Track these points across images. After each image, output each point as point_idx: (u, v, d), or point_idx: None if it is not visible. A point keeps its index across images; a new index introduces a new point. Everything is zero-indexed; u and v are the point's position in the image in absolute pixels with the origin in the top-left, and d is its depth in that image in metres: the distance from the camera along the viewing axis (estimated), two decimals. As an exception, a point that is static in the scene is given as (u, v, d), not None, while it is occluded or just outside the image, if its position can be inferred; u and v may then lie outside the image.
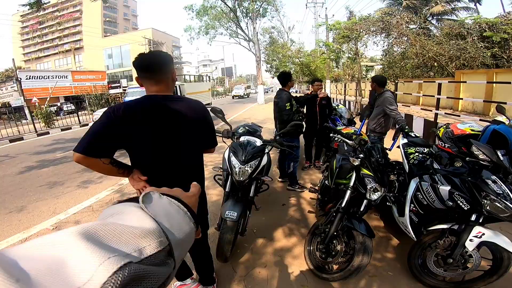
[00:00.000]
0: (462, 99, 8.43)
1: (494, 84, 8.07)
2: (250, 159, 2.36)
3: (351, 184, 2.13)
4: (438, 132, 2.64)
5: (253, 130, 3.38)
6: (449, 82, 9.10)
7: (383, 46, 11.07)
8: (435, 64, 10.10)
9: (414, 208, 2.16)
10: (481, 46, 10.64)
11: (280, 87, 4.06)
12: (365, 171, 2.13)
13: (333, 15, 36.31)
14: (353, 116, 5.64)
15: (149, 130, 1.39)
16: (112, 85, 38.86)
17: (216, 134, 1.78)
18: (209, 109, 1.82)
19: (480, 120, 5.81)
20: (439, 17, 19.76)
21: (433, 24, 19.26)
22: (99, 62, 42.80)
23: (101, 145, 1.31)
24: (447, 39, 10.46)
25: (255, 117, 12.67)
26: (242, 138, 2.89)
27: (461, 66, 11.11)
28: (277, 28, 25.20)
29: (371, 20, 9.05)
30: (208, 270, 2.03)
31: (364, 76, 31.08)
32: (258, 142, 2.78)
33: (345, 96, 16.38)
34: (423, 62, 9.59)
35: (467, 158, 2.04)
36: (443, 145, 2.45)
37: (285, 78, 3.99)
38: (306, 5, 22.42)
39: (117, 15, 51.96)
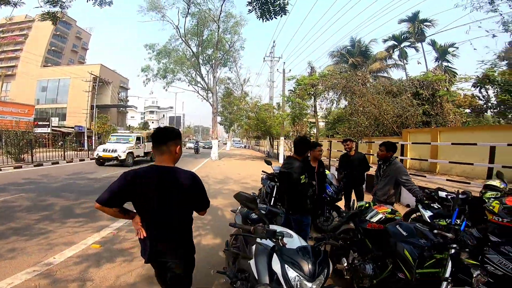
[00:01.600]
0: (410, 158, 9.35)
1: (438, 143, 9.19)
2: (320, 271, 1.71)
3: (447, 274, 1.93)
4: (491, 207, 2.56)
5: (271, 215, 3.11)
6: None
7: (337, 104, 11.94)
8: (384, 122, 11.25)
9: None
10: (417, 103, 12.35)
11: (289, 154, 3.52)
12: (467, 260, 1.98)
13: (290, 70, 39.96)
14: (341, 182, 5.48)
15: (150, 194, 1.79)
16: (39, 123, 34.13)
17: (244, 234, 2.05)
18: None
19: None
20: (376, 74, 23.38)
21: (370, 81, 22.70)
22: (29, 94, 37.77)
23: (115, 200, 1.80)
24: (390, 97, 11.86)
25: (214, 176, 11.76)
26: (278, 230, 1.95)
27: (401, 125, 12.55)
28: (232, 80, 26.04)
29: (335, 77, 9.86)
30: None
31: (308, 132, 33.59)
32: (302, 241, 2.15)
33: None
34: (374, 121, 10.56)
35: None
36: (499, 220, 2.40)
37: (304, 146, 3.26)
38: (264, 58, 24.22)
39: (65, 46, 48.35)
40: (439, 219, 3.17)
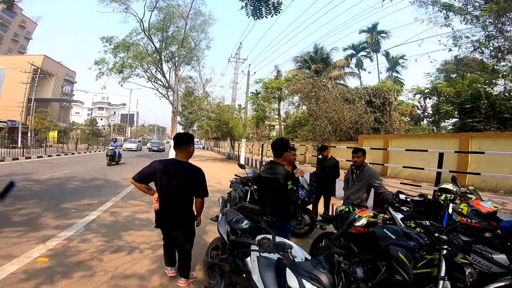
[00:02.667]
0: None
1: (389, 149, 10.01)
2: (339, 282, 1.69)
3: (443, 273, 2.04)
4: (460, 209, 2.79)
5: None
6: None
7: (299, 108, 12.24)
8: (342, 128, 11.88)
9: None
10: (370, 111, 13.28)
11: (271, 158, 3.34)
12: (461, 260, 2.16)
13: (255, 72, 40.14)
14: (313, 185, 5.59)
15: (166, 177, 2.69)
16: (-38, 116, 29.24)
17: (239, 243, 2.08)
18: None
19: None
20: (334, 81, 24.74)
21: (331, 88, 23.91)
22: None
23: (144, 179, 2.74)
24: (346, 103, 12.57)
25: None
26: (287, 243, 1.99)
27: (356, 130, 13.40)
28: (193, 79, 25.22)
29: (301, 82, 10.11)
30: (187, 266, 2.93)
31: (267, 135, 34.05)
32: (304, 252, 2.09)
33: (262, 157, 16.86)
34: (335, 126, 11.07)
35: (497, 231, 2.46)
36: (468, 221, 2.64)
37: (282, 147, 3.16)
38: (229, 59, 23.93)
39: (5, 34, 42.02)
40: (409, 221, 3.32)
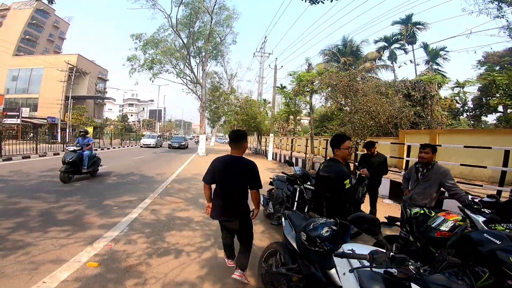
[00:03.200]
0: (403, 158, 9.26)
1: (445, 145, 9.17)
2: None
3: None
4: None
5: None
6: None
7: (332, 102, 11.55)
8: (381, 122, 11.10)
9: None
10: (409, 105, 12.41)
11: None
12: None
13: (282, 66, 39.58)
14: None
15: (224, 173, 2.86)
16: (8, 113, 31.59)
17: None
18: None
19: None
20: (366, 74, 23.68)
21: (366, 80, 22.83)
22: (-2, 83, 34.94)
23: (211, 178, 2.93)
24: (382, 97, 11.72)
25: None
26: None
27: (394, 125, 12.55)
28: (218, 74, 25.21)
29: (336, 74, 9.59)
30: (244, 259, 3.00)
31: (293, 129, 33.40)
32: None
33: (291, 152, 16.54)
34: (375, 121, 10.36)
35: None
36: None
37: (339, 140, 2.94)
38: (254, 54, 23.63)
39: (41, 34, 44.82)
40: (494, 224, 2.94)
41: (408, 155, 7.29)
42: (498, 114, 22.05)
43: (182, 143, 28.20)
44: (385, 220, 4.56)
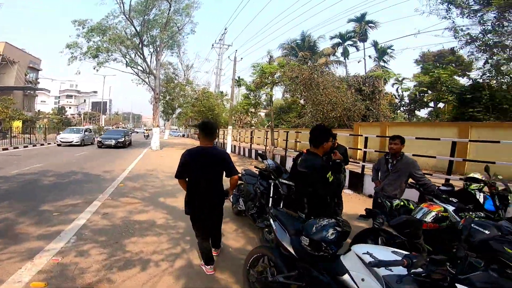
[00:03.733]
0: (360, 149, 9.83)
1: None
2: None
3: None
4: None
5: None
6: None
7: (293, 93, 11.67)
8: (338, 115, 11.66)
9: None
10: (360, 99, 13.26)
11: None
12: None
13: (242, 58, 38.85)
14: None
15: (197, 165, 2.83)
16: None
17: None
18: None
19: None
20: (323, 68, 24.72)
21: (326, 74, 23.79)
22: None
23: (183, 172, 2.89)
24: (337, 90, 12.30)
25: (163, 169, 10.03)
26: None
27: (347, 118, 13.27)
28: (173, 65, 23.78)
29: (298, 67, 9.65)
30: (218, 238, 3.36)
31: (249, 122, 33.45)
32: None
33: (251, 145, 16.38)
34: (335, 112, 10.80)
35: None
36: None
37: (323, 135, 2.72)
38: (213, 45, 22.75)
39: None
40: (464, 213, 3.05)
41: (365, 146, 7.63)
42: (429, 109, 25.06)
43: (120, 140, 19.44)
44: (363, 213, 4.59)
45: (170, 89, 20.64)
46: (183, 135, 57.06)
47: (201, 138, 2.90)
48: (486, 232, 2.14)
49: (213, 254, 3.17)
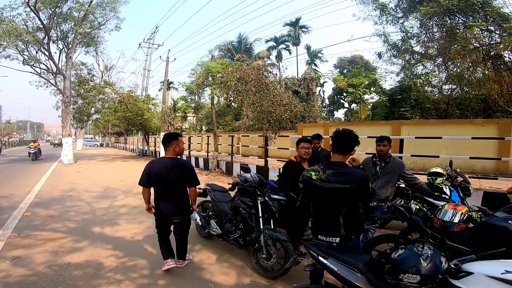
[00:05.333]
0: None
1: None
2: None
3: None
4: None
5: None
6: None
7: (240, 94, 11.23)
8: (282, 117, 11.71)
9: None
10: (298, 100, 13.77)
11: None
12: None
13: (175, 59, 36.04)
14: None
15: (159, 175, 3.01)
16: None
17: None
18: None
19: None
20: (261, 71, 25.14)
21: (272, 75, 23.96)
22: None
23: (148, 181, 3.04)
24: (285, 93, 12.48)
25: (85, 188, 8.08)
26: None
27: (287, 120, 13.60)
28: (87, 65, 20.38)
29: (245, 68, 9.26)
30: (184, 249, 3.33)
31: (180, 127, 31.64)
32: None
33: (189, 152, 15.10)
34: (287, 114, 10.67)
35: None
36: None
37: (352, 141, 2.22)
38: (140, 44, 20.32)
39: None
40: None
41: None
42: (345, 109, 28.32)
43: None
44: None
45: (84, 92, 17.50)
46: (101, 145, 50.35)
47: (165, 149, 3.12)
48: None
49: (178, 266, 3.23)
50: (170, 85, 23.73)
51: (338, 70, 30.60)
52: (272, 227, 3.37)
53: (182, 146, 3.18)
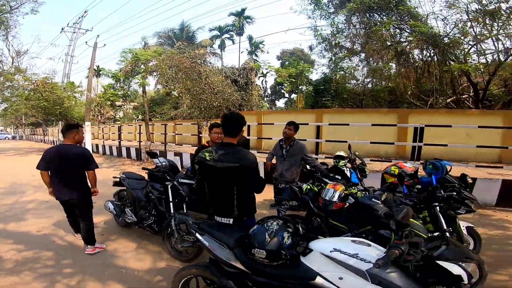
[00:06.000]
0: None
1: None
2: None
3: (445, 226, 2.60)
4: (392, 172, 3.27)
5: None
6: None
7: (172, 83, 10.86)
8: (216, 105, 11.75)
9: None
10: (236, 89, 13.99)
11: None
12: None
13: (105, 45, 32.00)
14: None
15: (57, 159, 3.19)
16: None
17: None
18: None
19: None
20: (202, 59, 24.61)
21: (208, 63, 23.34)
22: None
23: (46, 164, 3.20)
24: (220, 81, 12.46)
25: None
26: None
27: (225, 108, 13.70)
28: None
29: (179, 56, 8.94)
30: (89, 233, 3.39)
31: (113, 116, 29.18)
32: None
33: (120, 142, 14.09)
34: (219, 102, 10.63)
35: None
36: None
37: (240, 123, 2.31)
38: (63, 29, 17.61)
39: None
40: (349, 189, 3.41)
41: (248, 134, 8.25)
42: (285, 99, 29.77)
43: None
44: (273, 202, 4.63)
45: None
46: (14, 137, 43.25)
47: (64, 137, 3.32)
48: (381, 205, 2.39)
49: (87, 252, 3.32)
50: (101, 72, 21.42)
51: (280, 61, 31.81)
52: (185, 211, 3.43)
53: (81, 135, 3.44)
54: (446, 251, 1.57)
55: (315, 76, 19.04)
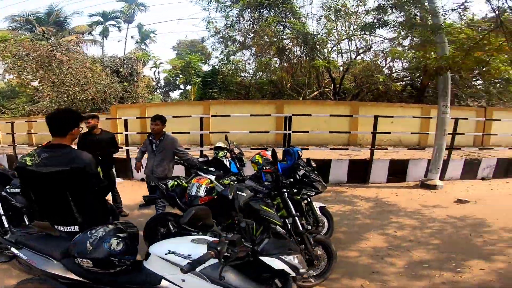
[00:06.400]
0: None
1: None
2: None
3: (294, 211, 2.57)
4: (256, 161, 3.47)
5: None
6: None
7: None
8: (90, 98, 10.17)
9: None
10: (117, 80, 12.72)
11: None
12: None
13: None
14: None
15: None
16: None
17: None
18: None
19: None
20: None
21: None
22: None
23: None
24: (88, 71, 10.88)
25: None
26: None
27: (103, 100, 12.12)
28: None
29: (34, 44, 7.22)
30: None
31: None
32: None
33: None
34: (86, 94, 9.07)
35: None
36: (264, 168, 3.27)
37: (70, 121, 2.04)
38: None
39: None
40: (222, 179, 3.45)
41: (126, 129, 7.64)
42: (181, 91, 28.81)
43: None
44: (143, 201, 4.31)
45: None
46: None
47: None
48: (244, 194, 2.37)
49: None
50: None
51: (176, 52, 30.38)
52: (27, 223, 2.91)
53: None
54: (267, 244, 1.58)
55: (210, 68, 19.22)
